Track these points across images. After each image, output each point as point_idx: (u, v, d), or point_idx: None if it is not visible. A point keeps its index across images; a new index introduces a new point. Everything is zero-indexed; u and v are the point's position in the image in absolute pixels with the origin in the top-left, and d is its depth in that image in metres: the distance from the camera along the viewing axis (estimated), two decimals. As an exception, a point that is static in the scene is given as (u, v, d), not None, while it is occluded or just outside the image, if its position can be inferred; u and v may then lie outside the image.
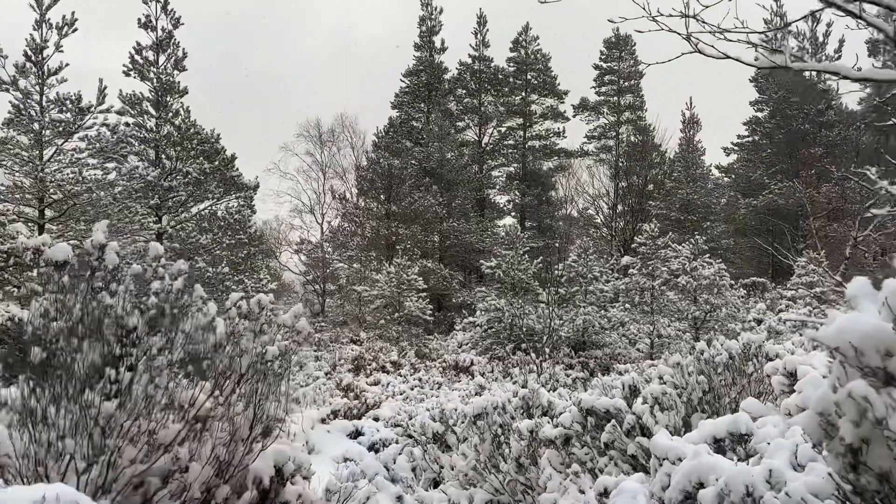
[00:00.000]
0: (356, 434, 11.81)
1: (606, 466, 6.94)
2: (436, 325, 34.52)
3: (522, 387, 15.48)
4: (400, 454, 10.64)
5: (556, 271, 22.52)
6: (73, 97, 17.51)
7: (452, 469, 9.49)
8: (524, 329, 20.28)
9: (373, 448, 11.21)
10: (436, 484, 9.94)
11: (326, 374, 20.84)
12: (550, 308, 19.21)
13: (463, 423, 10.86)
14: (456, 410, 10.91)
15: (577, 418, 7.48)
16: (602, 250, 35.76)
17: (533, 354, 16.17)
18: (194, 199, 23.04)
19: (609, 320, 22.79)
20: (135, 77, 22.59)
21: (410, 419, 11.87)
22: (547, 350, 16.89)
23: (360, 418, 12.99)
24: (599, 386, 8.39)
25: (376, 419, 12.20)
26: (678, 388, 7.31)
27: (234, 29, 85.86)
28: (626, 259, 23.96)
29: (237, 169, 23.05)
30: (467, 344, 23.92)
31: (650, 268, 22.81)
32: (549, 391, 13.23)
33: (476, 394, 14.98)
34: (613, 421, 7.08)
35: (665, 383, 7.41)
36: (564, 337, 21.33)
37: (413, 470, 10.30)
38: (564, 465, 7.49)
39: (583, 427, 7.48)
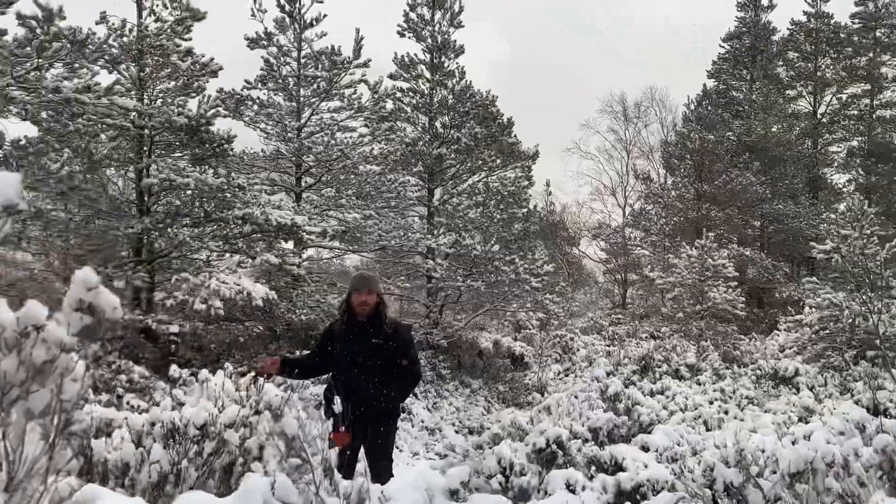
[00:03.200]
0: (616, 468, 8.35)
1: None
2: (754, 323, 29.43)
3: (873, 412, 10.94)
4: (672, 511, 7.06)
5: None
6: (328, 51, 15.86)
7: (754, 551, 5.77)
8: (876, 331, 15.16)
9: (636, 493, 7.71)
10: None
11: (608, 374, 17.40)
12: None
13: (774, 472, 7.03)
14: (763, 452, 7.05)
15: None
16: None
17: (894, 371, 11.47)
18: (469, 171, 20.74)
19: None
20: (409, 37, 20.74)
21: (695, 454, 8.15)
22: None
23: (628, 441, 9.48)
24: None
25: (645, 448, 8.63)
26: None
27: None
28: None
29: (514, 135, 20.35)
30: (791, 348, 19.09)
31: None
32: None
33: (799, 419, 10.74)
34: None
35: None
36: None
37: (691, 540, 6.65)
38: None
39: None
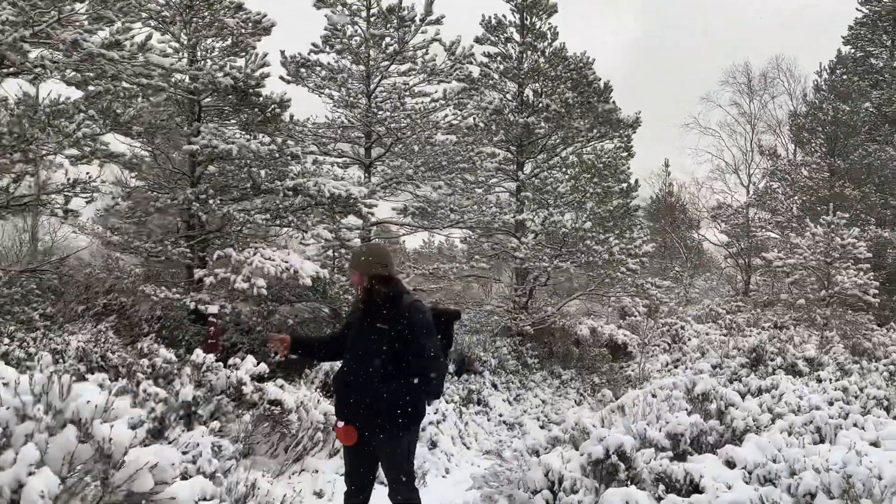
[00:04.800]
0: (691, 488, 6.64)
1: None
2: (893, 312, 26.35)
3: None
4: (754, 553, 5.33)
5: None
6: (396, 6, 14.43)
7: None
8: None
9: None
10: None
11: (714, 367, 15.36)
12: None
13: (898, 507, 5.18)
14: (880, 479, 5.23)
15: None
16: None
17: None
18: (563, 142, 18.93)
19: None
20: (497, -5, 19.06)
21: (793, 475, 6.34)
22: None
23: (714, 451, 7.69)
24: None
25: (731, 464, 6.83)
26: None
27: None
28: None
29: (612, 101, 18.36)
30: (934, 341, 16.54)
31: None
32: None
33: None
34: None
35: None
36: None
37: None
38: None
39: None
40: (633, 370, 20.46)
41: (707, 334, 25.16)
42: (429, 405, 5.13)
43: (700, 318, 28.73)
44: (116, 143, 12.60)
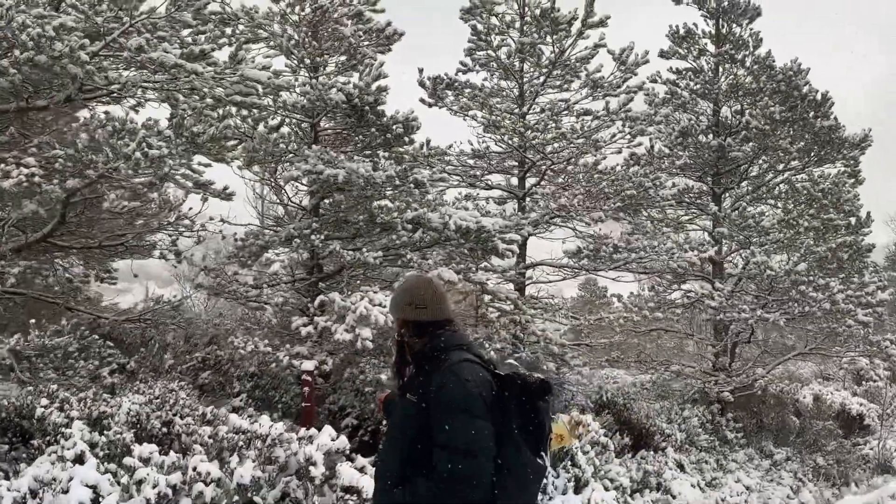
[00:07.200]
0: None
1: None
2: None
3: None
4: None
5: None
6: (551, 8, 12.13)
7: None
8: None
9: None
10: None
11: None
12: None
13: None
14: None
15: None
16: None
17: None
18: (771, 168, 15.61)
19: None
20: (688, 3, 16.25)
21: None
22: None
23: None
24: None
25: None
26: None
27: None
28: None
29: (833, 117, 14.84)
30: None
31: None
32: None
33: None
34: None
35: None
36: None
37: None
38: None
39: None
40: (871, 448, 16.46)
41: (973, 407, 20.35)
42: None
43: (963, 386, 23.58)
44: (226, 174, 11.24)
